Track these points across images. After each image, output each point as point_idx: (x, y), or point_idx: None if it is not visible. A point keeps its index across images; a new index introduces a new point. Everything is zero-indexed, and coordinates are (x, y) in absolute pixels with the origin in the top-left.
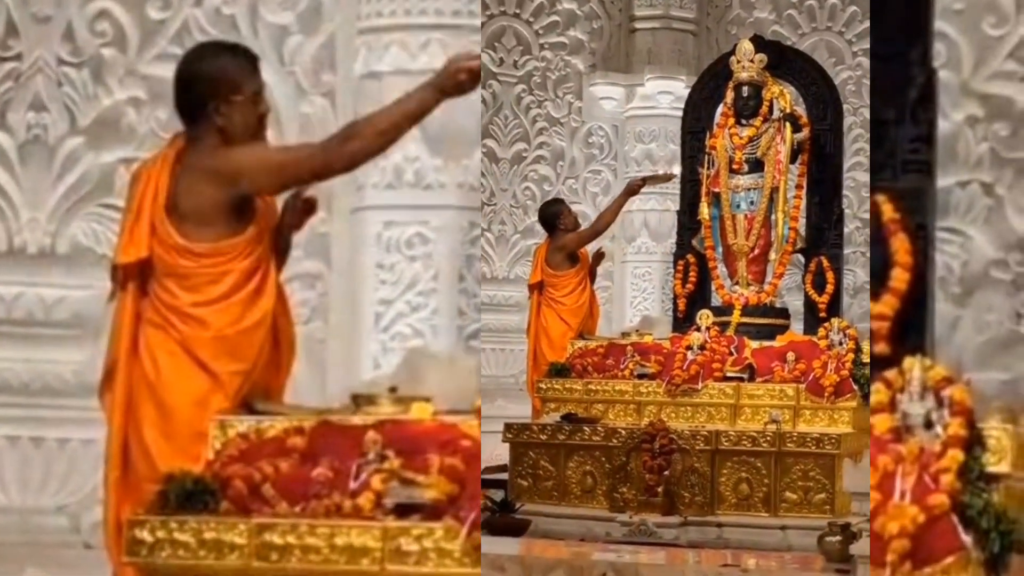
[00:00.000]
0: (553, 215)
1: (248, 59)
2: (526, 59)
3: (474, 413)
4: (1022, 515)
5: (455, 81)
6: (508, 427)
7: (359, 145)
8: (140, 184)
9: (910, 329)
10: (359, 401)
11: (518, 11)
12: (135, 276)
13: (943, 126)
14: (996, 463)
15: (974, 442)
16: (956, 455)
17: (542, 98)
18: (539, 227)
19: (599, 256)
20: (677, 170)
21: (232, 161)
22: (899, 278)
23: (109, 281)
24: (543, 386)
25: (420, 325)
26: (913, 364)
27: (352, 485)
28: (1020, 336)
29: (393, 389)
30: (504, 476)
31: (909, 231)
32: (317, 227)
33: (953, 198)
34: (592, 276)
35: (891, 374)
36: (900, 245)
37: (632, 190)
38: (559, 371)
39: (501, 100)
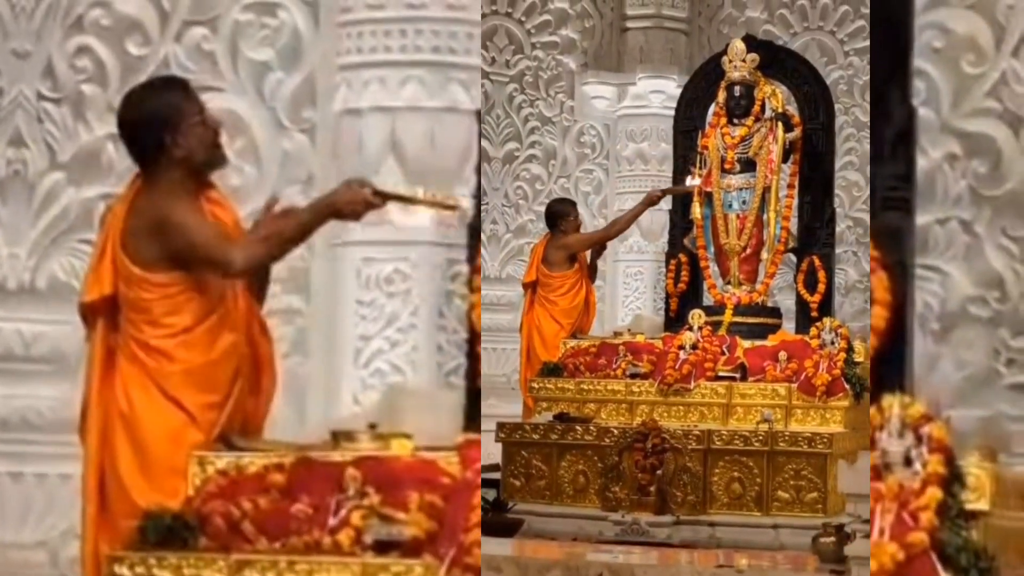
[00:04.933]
0: (559, 214)
1: (179, 85)
2: (518, 58)
3: (454, 450)
4: (1001, 553)
5: (351, 210)
6: (501, 426)
7: (259, 250)
8: (104, 225)
9: (889, 366)
10: (339, 437)
11: (510, 10)
12: (103, 313)
13: (922, 163)
14: (975, 501)
15: (953, 480)
16: (935, 493)
17: (534, 97)
18: (531, 226)
19: (600, 249)
20: (696, 181)
21: (168, 220)
22: (878, 316)
23: None
24: (535, 385)
25: (399, 361)
26: (892, 402)
27: (331, 522)
28: (999, 373)
29: (373, 426)
30: (497, 475)
31: (888, 269)
32: (296, 262)
33: (932, 235)
34: (593, 272)
35: (870, 411)
36: (879, 283)
37: (651, 200)
38: (551, 370)
39: (493, 99)
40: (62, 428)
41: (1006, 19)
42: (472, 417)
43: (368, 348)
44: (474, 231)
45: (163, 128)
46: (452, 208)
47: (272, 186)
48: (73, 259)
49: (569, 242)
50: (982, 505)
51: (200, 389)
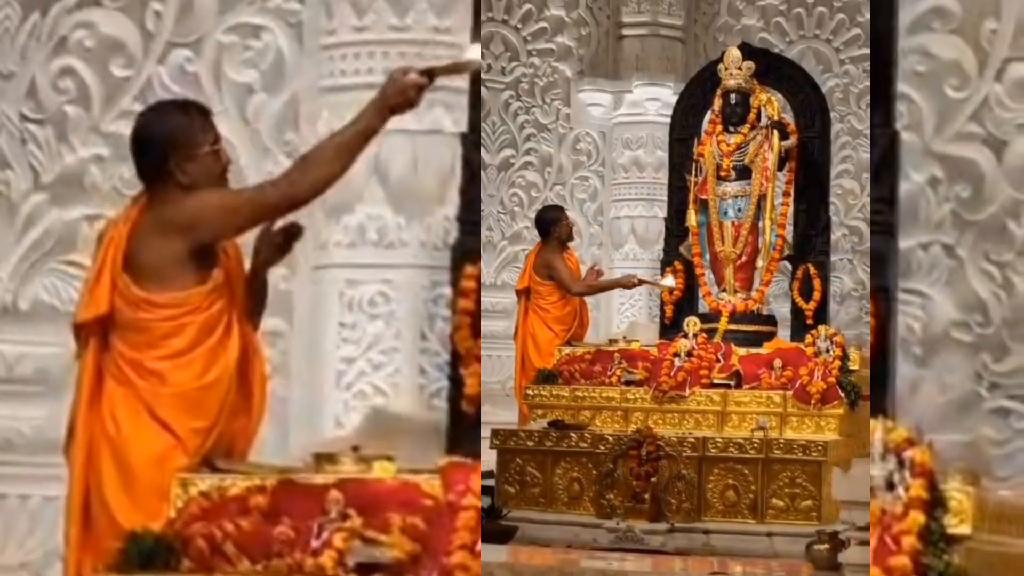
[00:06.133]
0: (550, 221)
1: (201, 113)
2: (514, 65)
3: (437, 472)
4: None
5: (404, 99)
6: (495, 433)
7: (321, 171)
8: (103, 243)
9: (872, 390)
10: (321, 460)
11: (506, 17)
12: (96, 333)
13: (905, 187)
14: (958, 525)
15: (936, 504)
16: (918, 517)
17: (530, 104)
18: (527, 233)
19: (597, 273)
20: (670, 281)
21: (187, 209)
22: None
23: (71, 338)
24: (530, 392)
25: (382, 384)
26: (875, 426)
27: (314, 544)
28: (981, 397)
29: (355, 448)
30: (491, 482)
31: (872, 293)
32: (279, 285)
33: (915, 259)
34: None
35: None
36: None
37: (626, 284)
38: (547, 377)
39: (489, 106)
40: (45, 449)
41: (989, 44)
42: (459, 441)
43: (351, 370)
44: (457, 253)
45: (171, 150)
46: (466, 68)
47: None
48: (56, 280)
49: (550, 263)
50: (964, 529)
51: (190, 413)
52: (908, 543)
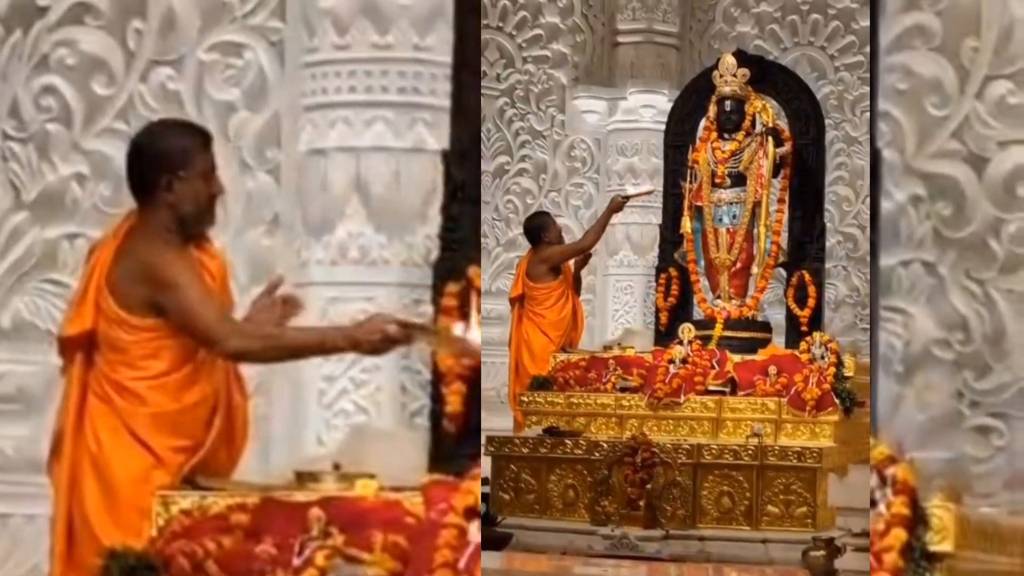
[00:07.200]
0: (538, 227)
1: (200, 136)
2: (509, 72)
3: (419, 490)
4: None
5: (369, 340)
6: (490, 440)
7: (263, 348)
8: (91, 259)
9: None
10: (303, 478)
11: (501, 24)
12: (81, 349)
13: (886, 205)
14: (939, 542)
15: (917, 521)
16: (899, 534)
17: (525, 111)
18: (522, 240)
19: (583, 261)
20: (657, 184)
21: (163, 270)
22: None
23: (52, 356)
24: (525, 399)
25: (363, 402)
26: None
27: (296, 562)
28: (962, 415)
29: (337, 466)
30: (486, 489)
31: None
32: None
33: (896, 277)
34: (577, 283)
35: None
36: None
37: (615, 207)
38: (541, 384)
39: (484, 113)
40: (26, 468)
41: (970, 61)
42: (441, 459)
43: (332, 389)
44: (439, 272)
45: (164, 168)
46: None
47: (236, 226)
48: (37, 299)
49: (547, 255)
50: (946, 547)
51: (169, 433)
52: (890, 560)
